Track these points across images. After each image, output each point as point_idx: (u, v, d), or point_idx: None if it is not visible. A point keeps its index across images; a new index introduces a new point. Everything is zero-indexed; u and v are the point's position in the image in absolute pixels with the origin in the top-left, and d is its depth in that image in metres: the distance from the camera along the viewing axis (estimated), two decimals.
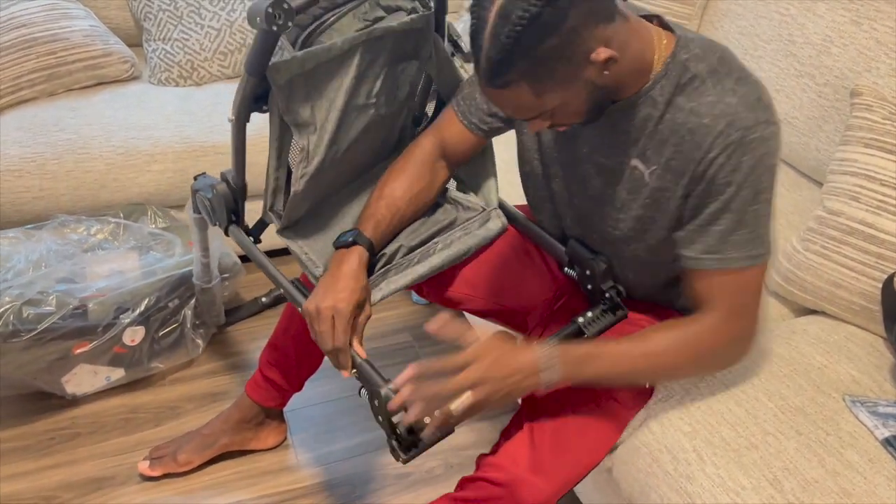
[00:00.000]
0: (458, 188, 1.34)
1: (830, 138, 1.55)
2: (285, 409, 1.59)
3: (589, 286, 1.17)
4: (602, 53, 0.85)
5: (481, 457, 1.09)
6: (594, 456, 1.09)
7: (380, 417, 1.02)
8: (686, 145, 0.95)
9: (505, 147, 1.30)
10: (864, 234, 1.23)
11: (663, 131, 0.97)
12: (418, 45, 1.21)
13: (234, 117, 1.15)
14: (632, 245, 1.08)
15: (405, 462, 1.01)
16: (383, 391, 1.00)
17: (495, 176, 1.31)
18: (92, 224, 1.77)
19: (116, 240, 1.76)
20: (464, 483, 1.07)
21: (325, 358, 1.37)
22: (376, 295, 1.14)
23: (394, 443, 1.01)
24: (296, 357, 1.44)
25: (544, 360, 0.97)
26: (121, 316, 1.61)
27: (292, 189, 1.16)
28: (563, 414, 1.07)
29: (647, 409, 1.13)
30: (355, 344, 1.08)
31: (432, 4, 1.20)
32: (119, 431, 1.64)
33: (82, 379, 1.65)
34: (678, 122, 0.95)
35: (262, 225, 1.33)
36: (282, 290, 1.21)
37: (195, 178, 1.40)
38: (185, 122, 1.92)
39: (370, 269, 1.14)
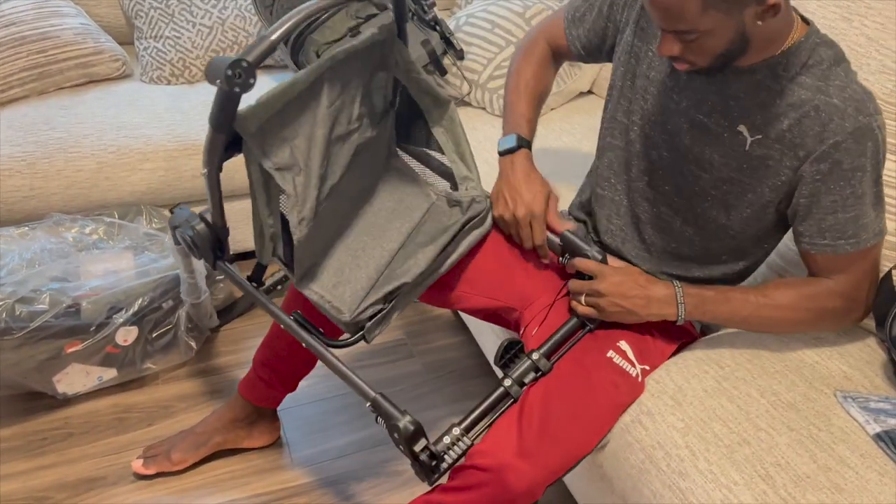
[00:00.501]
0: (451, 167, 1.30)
1: None
2: (278, 408, 1.59)
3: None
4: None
5: (472, 448, 1.10)
6: (583, 446, 1.10)
7: (401, 447, 1.07)
8: (809, 121, 1.01)
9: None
10: None
11: (781, 105, 1.03)
12: (385, 56, 1.19)
13: (205, 171, 1.09)
14: (706, 203, 1.15)
15: (430, 483, 1.07)
16: (401, 424, 1.05)
17: (470, 152, 1.29)
18: (87, 223, 1.76)
19: (111, 239, 1.75)
20: (454, 473, 1.08)
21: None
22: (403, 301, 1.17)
23: (416, 466, 1.07)
24: (290, 358, 1.44)
25: (677, 297, 1.11)
26: (114, 315, 1.60)
27: (294, 238, 1.09)
28: (552, 405, 1.08)
29: (639, 404, 1.14)
30: (554, 219, 1.21)
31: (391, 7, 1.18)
32: (112, 431, 1.63)
33: (74, 378, 1.64)
34: (803, 98, 1.02)
35: (261, 268, 1.27)
36: (282, 326, 1.18)
37: (171, 212, 1.34)
38: (177, 121, 1.92)
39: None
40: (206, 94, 2.04)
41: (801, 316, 1.12)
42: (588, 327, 1.18)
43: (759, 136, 1.05)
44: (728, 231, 1.16)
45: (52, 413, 1.66)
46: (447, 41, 1.98)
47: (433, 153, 1.32)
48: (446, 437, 1.08)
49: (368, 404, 1.10)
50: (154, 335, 1.69)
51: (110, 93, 2.01)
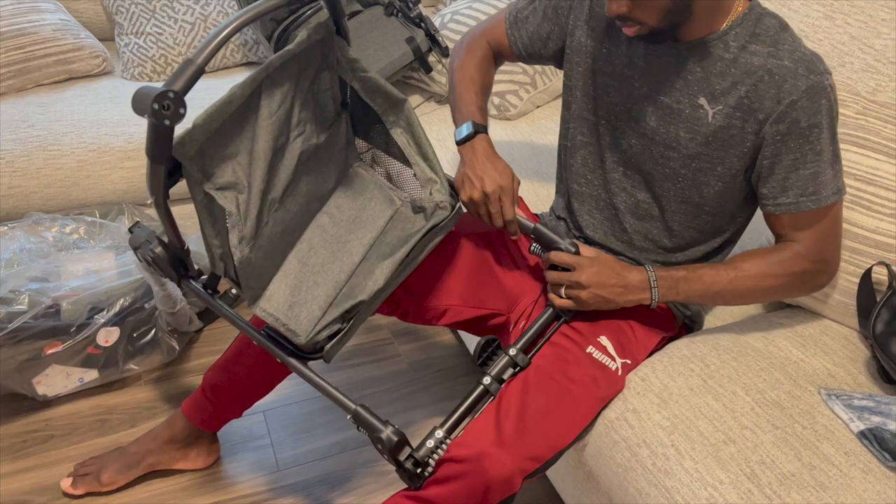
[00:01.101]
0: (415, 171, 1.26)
1: None
2: (264, 409, 1.57)
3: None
4: None
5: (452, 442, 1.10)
6: (561, 437, 1.10)
7: (385, 456, 1.08)
8: (764, 85, 1.05)
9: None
10: None
11: (736, 73, 1.06)
12: (325, 55, 1.15)
13: (151, 200, 1.04)
14: (679, 184, 1.17)
15: (416, 489, 1.08)
16: (384, 436, 1.06)
17: (434, 153, 1.25)
18: (67, 223, 1.74)
19: (92, 239, 1.73)
20: (435, 467, 1.08)
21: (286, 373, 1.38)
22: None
23: (401, 472, 1.08)
24: (245, 385, 1.40)
25: (650, 280, 1.13)
26: (95, 316, 1.58)
27: (235, 259, 1.04)
28: (529, 398, 1.09)
29: (625, 402, 1.14)
30: (522, 210, 1.23)
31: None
32: (94, 433, 1.61)
33: (54, 380, 1.62)
34: (756, 65, 1.05)
35: (215, 277, 1.20)
36: (255, 342, 1.15)
37: (130, 231, 1.29)
38: None
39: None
40: (189, 92, 2.01)
41: (772, 283, 1.14)
42: (563, 319, 1.20)
43: (720, 107, 1.08)
44: (703, 209, 1.18)
45: (33, 415, 1.64)
46: (432, 38, 1.97)
47: (391, 159, 1.29)
48: (429, 440, 1.08)
49: (350, 416, 1.10)
50: (136, 335, 1.67)
51: (90, 90, 1.99)
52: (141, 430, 1.61)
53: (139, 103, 0.89)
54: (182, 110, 0.89)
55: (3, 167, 1.73)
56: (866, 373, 1.18)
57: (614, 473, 1.11)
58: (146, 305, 1.65)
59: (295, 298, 1.11)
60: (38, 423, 1.63)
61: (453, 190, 1.24)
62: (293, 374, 1.46)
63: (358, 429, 1.10)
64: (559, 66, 1.31)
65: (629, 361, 1.17)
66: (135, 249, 1.26)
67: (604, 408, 1.16)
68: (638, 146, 1.18)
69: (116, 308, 1.60)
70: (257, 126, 1.04)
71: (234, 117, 1.01)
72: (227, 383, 1.39)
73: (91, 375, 1.66)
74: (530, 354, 1.16)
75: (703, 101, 1.09)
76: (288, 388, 1.53)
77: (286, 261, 1.16)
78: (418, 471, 1.06)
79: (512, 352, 1.14)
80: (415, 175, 1.24)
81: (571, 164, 1.29)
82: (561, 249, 1.17)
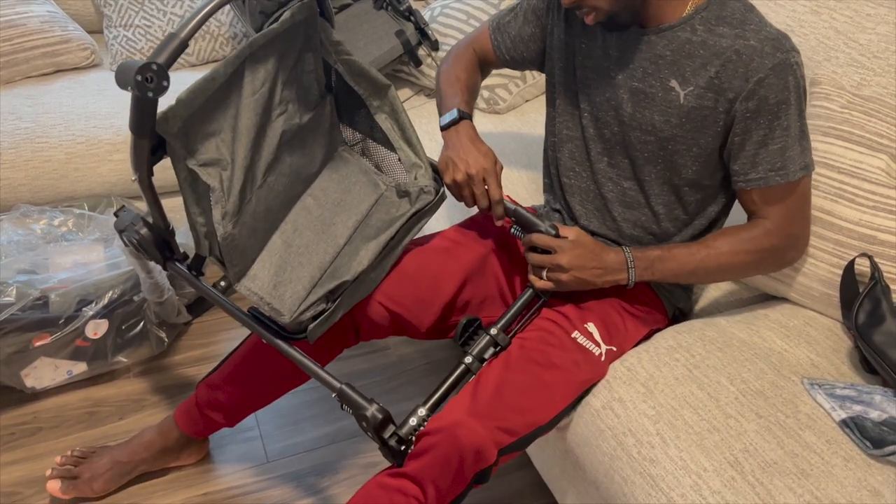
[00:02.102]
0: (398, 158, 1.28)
1: None
2: None
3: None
4: None
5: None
6: (537, 415, 1.11)
7: (369, 434, 1.09)
8: (732, 65, 1.07)
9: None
10: (823, 222, 1.26)
11: (705, 55, 1.09)
12: (308, 35, 1.15)
13: (134, 178, 1.05)
14: (659, 167, 1.19)
15: (400, 466, 1.09)
16: (369, 413, 1.08)
17: (419, 141, 1.27)
18: (56, 215, 1.73)
19: (81, 231, 1.73)
20: (414, 444, 1.09)
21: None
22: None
23: (385, 450, 1.10)
24: (240, 405, 1.39)
25: (627, 261, 1.15)
26: (83, 308, 1.58)
27: (218, 234, 1.04)
28: (508, 375, 1.10)
29: (610, 391, 1.15)
30: (500, 193, 1.22)
31: None
32: (83, 426, 1.61)
33: (42, 373, 1.62)
34: (723, 46, 1.08)
35: (199, 258, 1.20)
36: (242, 324, 1.16)
37: (116, 215, 1.30)
38: None
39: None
40: (177, 84, 1.98)
41: (744, 259, 1.16)
42: (543, 299, 1.22)
43: (691, 88, 1.10)
44: (684, 190, 1.20)
45: (21, 408, 1.64)
46: (422, 32, 1.98)
47: (376, 144, 1.29)
48: (412, 418, 1.09)
49: (335, 395, 1.10)
50: (124, 328, 1.66)
51: (79, 82, 1.98)
52: (129, 423, 1.61)
53: (123, 75, 0.89)
54: (165, 83, 0.90)
55: None
56: (849, 363, 1.20)
57: (600, 462, 1.12)
58: (135, 298, 1.65)
59: (279, 278, 1.12)
60: (27, 415, 1.63)
61: (437, 174, 1.24)
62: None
63: (342, 407, 1.11)
64: (542, 69, 1.34)
65: (615, 349, 1.18)
66: (120, 233, 1.26)
67: (585, 393, 1.17)
68: (619, 134, 1.20)
69: (105, 300, 1.60)
70: (241, 103, 1.05)
71: (217, 94, 1.01)
72: (222, 402, 1.38)
73: (80, 368, 1.66)
74: (511, 334, 1.18)
75: (674, 83, 1.12)
76: None
77: (270, 241, 1.17)
78: (402, 448, 1.07)
79: (493, 331, 1.16)
80: (399, 160, 1.25)
81: (559, 159, 1.31)
82: (541, 232, 1.18)
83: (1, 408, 1.63)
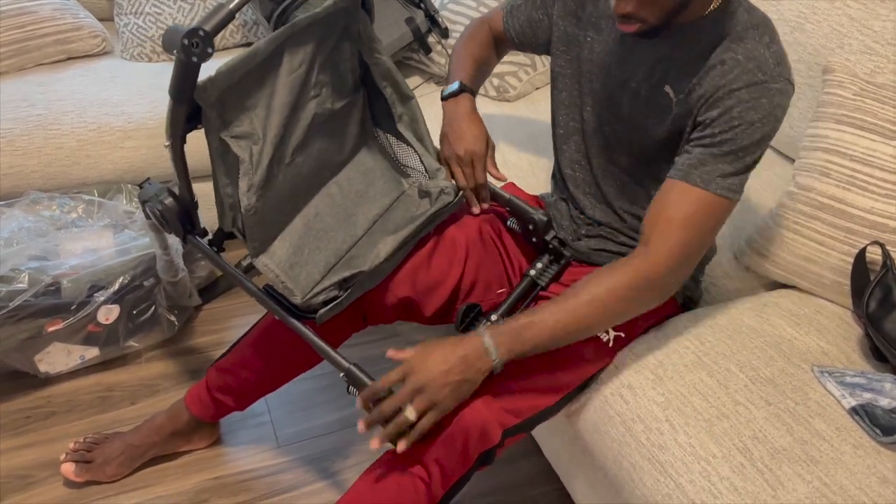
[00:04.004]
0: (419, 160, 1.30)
1: (803, 115, 1.57)
2: None
3: (533, 239, 1.27)
4: None
5: None
6: (542, 398, 1.11)
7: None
8: (713, 73, 1.04)
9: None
10: (835, 210, 1.25)
11: (699, 64, 1.06)
12: (348, 25, 1.17)
13: (169, 143, 1.08)
14: (653, 167, 1.17)
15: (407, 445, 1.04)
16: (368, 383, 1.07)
17: (433, 146, 1.30)
18: (65, 201, 1.74)
19: (91, 217, 1.74)
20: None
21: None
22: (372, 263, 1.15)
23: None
24: (250, 388, 1.40)
25: (485, 343, 1.01)
26: (95, 294, 1.59)
27: (242, 206, 1.07)
28: (515, 361, 1.08)
29: (620, 377, 1.15)
30: (494, 171, 1.25)
31: None
32: (95, 410, 1.63)
33: (55, 358, 1.63)
34: (714, 56, 1.04)
35: (221, 233, 1.22)
36: (257, 300, 1.17)
37: (140, 186, 1.33)
38: (158, 99, 1.90)
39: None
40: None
41: (622, 296, 1.04)
42: (539, 286, 1.25)
43: (682, 95, 1.08)
44: None
45: (35, 392, 1.66)
46: (432, 19, 1.97)
47: (400, 143, 1.31)
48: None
49: (342, 375, 1.10)
50: (135, 313, 1.68)
51: (90, 70, 1.99)
52: (141, 408, 1.63)
53: (170, 39, 0.92)
54: (210, 50, 0.92)
55: (4, 146, 1.73)
56: (859, 351, 1.20)
57: (609, 448, 1.13)
58: (145, 283, 1.67)
59: (296, 259, 1.14)
60: (40, 399, 1.64)
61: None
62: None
63: (348, 390, 1.11)
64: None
65: (623, 335, 1.18)
66: (143, 203, 1.28)
67: (592, 378, 1.17)
68: (618, 132, 1.20)
69: (116, 286, 1.61)
70: (277, 81, 1.08)
71: (256, 70, 1.04)
72: (233, 385, 1.40)
73: (92, 353, 1.67)
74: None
75: (668, 88, 1.10)
76: None
77: (292, 222, 1.19)
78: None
79: (493, 318, 1.17)
80: (420, 161, 1.28)
81: (565, 150, 1.31)
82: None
83: (15, 392, 1.65)
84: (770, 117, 1.01)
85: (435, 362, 1.00)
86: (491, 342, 1.01)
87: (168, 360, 1.76)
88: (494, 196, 1.29)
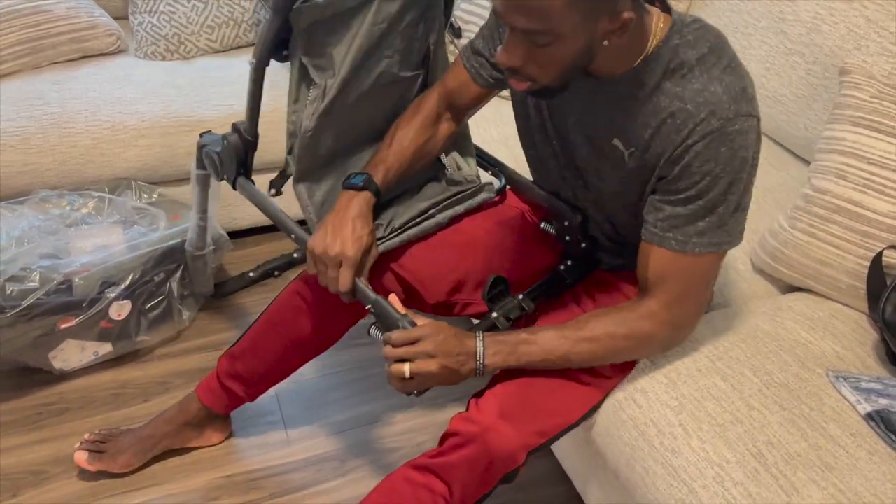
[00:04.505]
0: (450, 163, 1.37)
1: (819, 116, 1.55)
2: (275, 386, 1.58)
3: (567, 237, 1.24)
4: (625, 15, 0.86)
5: (456, 415, 1.10)
6: (567, 415, 1.11)
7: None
8: (666, 128, 0.96)
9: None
10: (851, 213, 1.24)
11: (646, 113, 0.98)
12: (430, 6, 1.22)
13: (254, 59, 1.20)
14: (619, 205, 1.12)
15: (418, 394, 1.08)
16: (401, 324, 1.07)
17: (473, 155, 1.39)
18: (74, 199, 1.75)
19: (100, 214, 1.75)
20: (440, 441, 1.09)
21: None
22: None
23: None
24: (260, 376, 1.41)
25: (477, 349, 1.03)
26: (106, 290, 1.60)
27: (303, 125, 1.18)
28: (537, 374, 1.09)
29: (633, 382, 1.14)
30: (363, 281, 1.15)
31: None
32: (108, 406, 1.64)
33: (69, 354, 1.64)
34: (661, 106, 0.96)
35: (283, 177, 1.32)
36: (291, 236, 1.27)
37: (201, 135, 1.45)
38: (171, 97, 1.90)
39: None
40: (201, 71, 2.02)
41: (620, 345, 1.05)
42: (567, 281, 1.24)
43: (633, 149, 1.01)
44: (628, 241, 1.14)
45: (48, 388, 1.67)
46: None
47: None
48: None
49: (368, 306, 1.12)
50: (147, 308, 1.69)
51: (104, 68, 2.00)
52: (154, 405, 1.64)
53: None
54: None
55: (19, 144, 1.75)
56: (875, 356, 1.19)
57: (621, 452, 1.12)
58: (156, 278, 1.68)
59: (328, 198, 1.25)
60: (54, 395, 1.65)
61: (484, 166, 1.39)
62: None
63: (368, 331, 1.12)
64: None
65: None
66: (201, 148, 1.44)
67: (613, 388, 1.17)
68: (583, 170, 1.14)
69: (127, 282, 1.62)
70: (361, 27, 1.15)
71: (346, 13, 1.14)
72: (243, 373, 1.41)
73: (105, 349, 1.68)
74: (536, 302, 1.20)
75: (617, 141, 1.02)
76: None
77: (336, 164, 1.27)
78: None
79: (520, 297, 1.19)
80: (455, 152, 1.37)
81: (550, 170, 1.24)
82: (398, 327, 1.08)
83: (29, 388, 1.66)
84: (734, 161, 0.94)
85: (444, 340, 1.02)
86: (482, 352, 1.03)
87: (180, 357, 1.77)
88: (531, 194, 1.29)
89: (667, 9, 0.98)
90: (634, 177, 1.03)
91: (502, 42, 0.94)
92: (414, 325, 1.06)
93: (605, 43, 0.89)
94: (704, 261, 1.00)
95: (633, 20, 0.87)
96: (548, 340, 1.04)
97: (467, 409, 1.10)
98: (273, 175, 1.34)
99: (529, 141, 1.22)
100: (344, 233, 1.12)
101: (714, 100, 0.93)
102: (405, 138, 1.22)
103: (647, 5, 0.95)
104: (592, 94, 1.02)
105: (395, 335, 1.04)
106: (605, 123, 1.03)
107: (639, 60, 0.96)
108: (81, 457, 1.46)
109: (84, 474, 1.48)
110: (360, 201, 1.15)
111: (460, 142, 1.37)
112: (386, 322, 1.09)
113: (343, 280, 1.11)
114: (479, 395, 1.11)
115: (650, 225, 1.01)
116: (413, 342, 1.03)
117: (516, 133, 1.25)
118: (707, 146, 0.93)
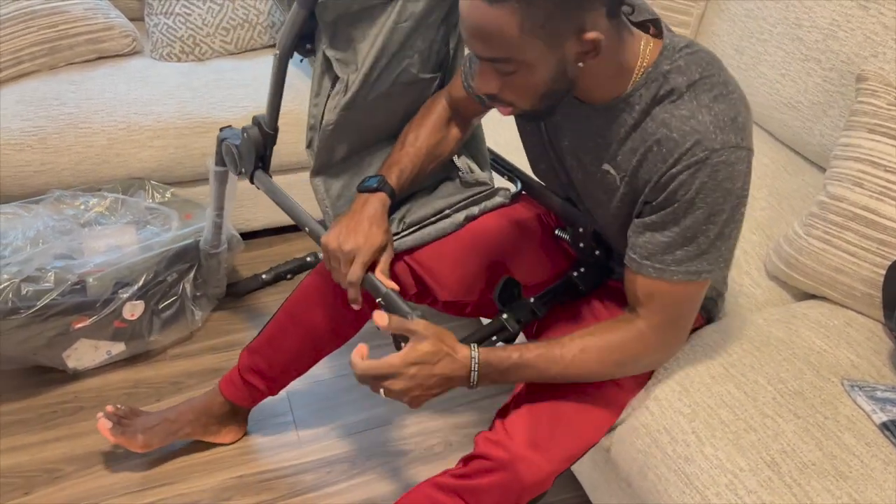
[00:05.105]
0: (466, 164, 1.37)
1: (835, 123, 1.55)
2: (287, 387, 1.59)
3: (580, 244, 1.24)
4: (591, 35, 0.84)
5: (480, 435, 1.10)
6: (593, 435, 1.11)
7: (402, 344, 1.05)
8: (653, 156, 0.94)
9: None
10: (867, 220, 1.24)
11: (635, 139, 0.97)
12: (452, 9, 1.22)
13: (278, 51, 1.21)
14: (614, 229, 1.09)
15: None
16: (410, 318, 1.06)
17: (487, 161, 1.39)
18: (88, 199, 1.77)
19: (113, 214, 1.76)
20: (464, 461, 1.08)
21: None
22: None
23: None
24: (281, 369, 1.42)
25: (472, 377, 1.00)
26: (120, 291, 1.61)
27: (324, 119, 1.19)
28: (561, 393, 1.08)
29: (646, 389, 1.14)
30: (380, 276, 1.14)
31: None
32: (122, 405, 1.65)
33: (83, 354, 1.66)
34: (648, 133, 0.95)
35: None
36: (305, 229, 1.27)
37: (221, 129, 1.47)
38: (186, 98, 1.92)
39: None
40: (215, 73, 2.03)
41: (606, 366, 1.05)
42: (580, 288, 1.23)
43: (623, 174, 1.00)
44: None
45: (63, 387, 1.68)
46: None
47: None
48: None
49: (379, 299, 1.12)
50: (160, 308, 1.70)
51: (120, 69, 2.01)
52: (166, 404, 1.64)
53: None
54: None
55: (36, 144, 1.76)
56: (890, 365, 1.18)
57: (634, 459, 1.12)
58: (168, 278, 1.69)
59: (344, 192, 1.27)
60: (68, 394, 1.67)
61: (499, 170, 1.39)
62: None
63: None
64: None
65: None
66: (221, 141, 1.45)
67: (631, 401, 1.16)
68: (580, 192, 1.14)
69: (140, 282, 1.63)
70: (385, 24, 1.16)
71: (371, 9, 1.15)
72: (262, 367, 1.42)
73: (118, 348, 1.69)
74: (547, 308, 1.20)
75: (607, 167, 1.02)
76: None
77: (353, 159, 1.28)
78: None
79: (532, 300, 1.18)
80: (467, 160, 1.36)
81: (552, 185, 1.25)
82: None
83: (43, 387, 1.68)
84: (716, 193, 0.91)
85: (424, 371, 0.98)
86: (476, 376, 1.01)
87: (193, 357, 1.78)
88: (546, 200, 1.29)
89: (659, 33, 0.97)
90: (627, 202, 1.02)
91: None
92: (422, 317, 1.04)
93: (581, 65, 0.88)
94: (684, 289, 1.00)
95: (603, 40, 0.85)
96: (540, 363, 1.03)
97: (492, 428, 1.09)
98: (285, 176, 1.34)
99: (534, 156, 1.22)
100: (358, 231, 1.13)
101: (701, 129, 0.90)
102: (418, 140, 1.23)
103: (634, 29, 0.94)
104: (584, 119, 1.01)
105: (359, 369, 1.00)
106: (595, 149, 1.02)
107: (630, 85, 0.95)
108: (105, 425, 1.46)
109: (101, 467, 1.50)
110: (375, 202, 1.17)
111: (474, 146, 1.37)
112: (395, 313, 1.09)
113: (353, 271, 1.12)
114: (503, 413, 1.09)
115: (630, 251, 1.01)
116: (384, 377, 0.98)
117: None
118: (692, 175, 0.91)
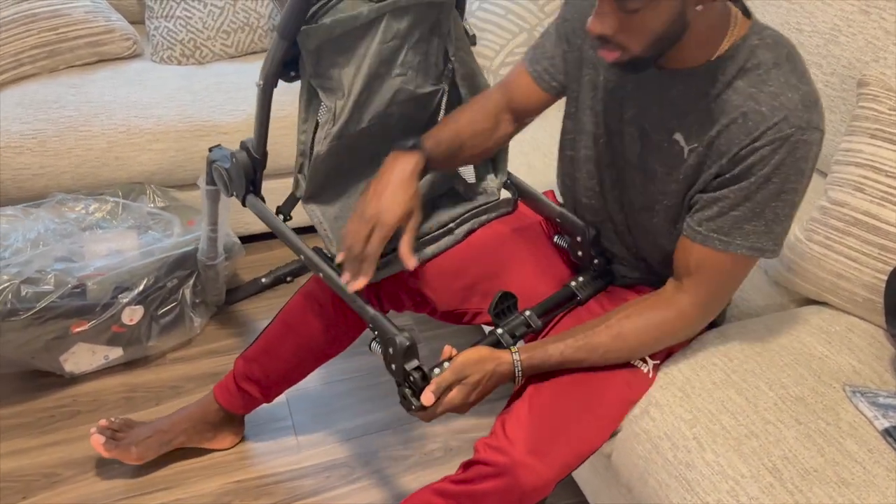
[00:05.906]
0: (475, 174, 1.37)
1: (836, 128, 1.54)
2: (286, 392, 1.58)
3: (579, 253, 1.24)
4: None
5: (480, 440, 1.10)
6: (594, 441, 1.10)
7: (392, 366, 1.07)
8: (735, 128, 0.96)
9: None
10: (868, 226, 1.23)
11: (715, 110, 0.98)
12: (440, 20, 1.21)
13: (261, 82, 1.18)
14: (655, 218, 1.11)
15: (417, 409, 1.04)
16: (398, 339, 1.05)
17: (505, 173, 1.38)
18: (90, 203, 1.76)
19: (115, 219, 1.76)
20: (464, 466, 1.08)
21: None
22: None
23: (406, 391, 1.05)
24: (276, 378, 1.42)
25: (517, 374, 1.07)
26: (119, 295, 1.61)
27: (315, 150, 1.17)
28: (562, 399, 1.08)
29: (647, 395, 1.14)
30: (405, 249, 1.09)
31: None
32: (120, 410, 1.64)
33: (80, 358, 1.65)
34: (734, 104, 0.96)
35: (292, 201, 1.28)
36: (301, 258, 1.22)
37: (210, 150, 1.43)
38: (187, 101, 1.91)
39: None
40: (216, 76, 2.03)
41: (648, 342, 1.10)
42: (577, 298, 1.23)
43: (695, 145, 1.00)
44: (666, 248, 1.13)
45: (61, 391, 1.67)
46: None
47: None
48: (437, 368, 1.06)
49: (368, 322, 1.12)
50: (159, 314, 1.70)
51: (120, 72, 2.01)
52: (165, 408, 1.64)
53: None
54: None
55: (35, 147, 1.76)
56: (892, 371, 1.18)
57: (635, 465, 1.12)
58: (168, 284, 1.69)
59: (341, 214, 1.24)
60: (66, 399, 1.66)
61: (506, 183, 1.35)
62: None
63: (370, 346, 1.11)
64: None
65: (659, 362, 1.17)
66: (211, 163, 1.41)
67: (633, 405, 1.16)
68: (624, 172, 1.14)
69: (140, 287, 1.63)
70: (371, 46, 1.15)
71: (354, 32, 1.13)
72: (258, 374, 1.41)
73: (116, 353, 1.69)
74: (543, 320, 1.19)
75: (679, 136, 1.02)
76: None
77: (349, 184, 1.27)
78: (423, 385, 1.04)
79: (527, 313, 1.17)
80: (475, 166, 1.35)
81: (578, 178, 1.23)
82: (396, 344, 1.06)
83: (41, 391, 1.67)
84: (793, 169, 0.95)
85: (479, 380, 1.04)
86: (520, 374, 1.07)
87: (192, 362, 1.77)
88: (543, 208, 1.29)
89: (747, 13, 0.99)
90: (690, 174, 1.03)
91: (594, 13, 0.92)
92: (411, 333, 1.06)
93: (699, 8, 0.89)
94: (739, 262, 1.02)
95: None
96: (580, 355, 1.07)
97: (492, 434, 1.08)
98: (286, 180, 1.33)
99: (570, 141, 1.21)
100: (383, 196, 1.06)
101: (791, 106, 0.93)
102: (462, 119, 1.20)
103: (727, 2, 0.96)
104: (662, 87, 1.02)
105: (434, 405, 1.03)
106: (669, 117, 1.03)
107: (717, 54, 0.96)
108: (98, 440, 1.45)
109: (99, 471, 1.49)
110: (406, 162, 1.09)
111: (498, 155, 1.35)
112: (384, 338, 1.08)
113: (372, 244, 1.06)
114: (504, 418, 1.09)
115: (695, 223, 1.02)
116: (448, 389, 1.03)
117: (531, 140, 1.26)
118: (773, 151, 0.94)
